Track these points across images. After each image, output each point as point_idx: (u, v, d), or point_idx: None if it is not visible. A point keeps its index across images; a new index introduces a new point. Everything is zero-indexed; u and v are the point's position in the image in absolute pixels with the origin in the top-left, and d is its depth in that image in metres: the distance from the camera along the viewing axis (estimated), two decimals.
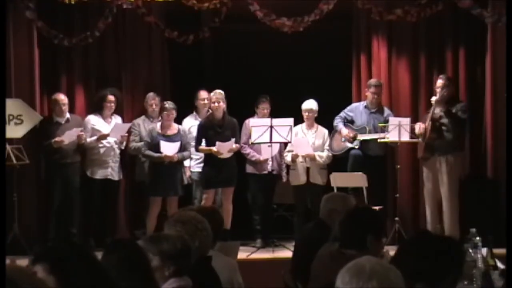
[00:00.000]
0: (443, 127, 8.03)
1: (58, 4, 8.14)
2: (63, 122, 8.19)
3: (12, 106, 7.94)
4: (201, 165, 8.27)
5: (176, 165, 8.10)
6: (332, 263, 3.60)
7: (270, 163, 8.25)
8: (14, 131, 7.97)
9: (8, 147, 7.82)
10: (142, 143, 8.20)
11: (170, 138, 8.06)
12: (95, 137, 8.14)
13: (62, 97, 8.23)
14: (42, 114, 8.32)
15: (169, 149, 7.98)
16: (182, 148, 8.10)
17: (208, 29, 8.32)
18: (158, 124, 8.15)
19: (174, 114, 8.08)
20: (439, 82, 8.06)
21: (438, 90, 8.03)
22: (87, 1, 8.12)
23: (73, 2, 8.01)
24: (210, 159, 8.07)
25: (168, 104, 8.07)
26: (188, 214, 4.04)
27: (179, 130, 8.16)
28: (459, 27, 8.58)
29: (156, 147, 8.00)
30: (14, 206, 7.91)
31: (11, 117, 7.94)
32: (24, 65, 8.25)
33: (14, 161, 7.83)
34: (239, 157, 8.43)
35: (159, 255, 3.37)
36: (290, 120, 8.01)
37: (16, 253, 7.29)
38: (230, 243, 5.36)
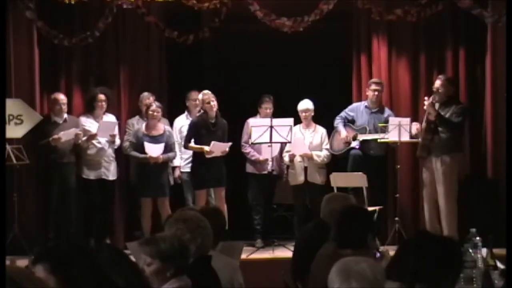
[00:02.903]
0: (439, 128, 8.03)
1: (58, 4, 8.13)
2: (60, 122, 8.18)
3: (12, 106, 7.94)
4: (191, 165, 8.27)
5: (162, 166, 8.07)
6: (330, 263, 3.61)
7: (270, 163, 8.25)
8: (14, 131, 7.97)
9: (8, 147, 7.81)
10: (128, 143, 8.19)
11: (155, 139, 8.03)
12: (85, 138, 8.13)
13: (62, 97, 8.22)
14: (42, 114, 8.31)
15: (153, 150, 7.96)
16: (168, 149, 8.08)
17: (208, 29, 8.31)
18: (143, 125, 8.15)
19: (159, 114, 8.04)
20: (437, 82, 8.07)
21: (435, 90, 8.04)
22: (87, 1, 8.12)
23: (73, 2, 8.00)
24: (199, 159, 8.04)
25: (154, 105, 8.05)
26: (189, 213, 4.05)
27: (164, 131, 8.13)
28: (459, 27, 8.58)
29: (141, 148, 7.99)
30: (14, 206, 7.90)
31: (11, 117, 7.93)
32: (24, 65, 8.25)
33: (14, 161, 7.83)
34: (239, 157, 8.43)
35: (159, 257, 3.36)
36: (290, 120, 8.01)
37: (16, 253, 7.30)
38: (233, 243, 5.34)
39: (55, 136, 7.97)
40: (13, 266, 2.39)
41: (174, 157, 8.25)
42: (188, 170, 8.32)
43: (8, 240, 7.64)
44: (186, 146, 8.12)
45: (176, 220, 3.88)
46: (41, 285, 2.32)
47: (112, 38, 8.64)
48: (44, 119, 8.22)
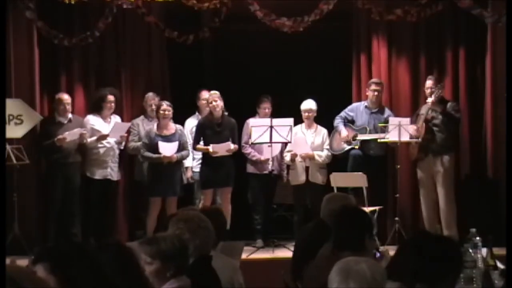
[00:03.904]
0: (435, 128, 8.04)
1: (58, 4, 8.14)
2: (65, 122, 8.18)
3: (12, 106, 7.94)
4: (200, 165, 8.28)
5: (175, 165, 8.08)
6: (327, 264, 3.61)
7: (270, 163, 8.25)
8: (14, 131, 7.97)
9: (8, 147, 7.82)
10: (140, 143, 8.19)
11: (167, 138, 8.04)
12: (94, 138, 8.13)
13: (66, 97, 8.22)
14: (42, 114, 8.32)
15: (167, 149, 7.96)
16: (181, 148, 8.09)
17: (208, 29, 8.32)
18: (155, 125, 8.15)
19: (170, 113, 8.05)
20: (429, 82, 8.09)
21: (428, 91, 8.07)
22: (87, 1, 8.12)
23: (73, 2, 8.00)
24: (207, 159, 8.07)
25: (164, 104, 8.06)
26: (191, 213, 4.07)
27: (176, 130, 8.14)
28: (459, 27, 8.58)
29: (154, 148, 7.98)
30: (14, 206, 7.90)
31: (11, 117, 7.94)
32: (24, 65, 8.25)
33: (14, 161, 7.83)
34: (239, 157, 8.43)
35: (159, 257, 3.35)
36: (290, 120, 8.01)
37: (16, 253, 7.29)
38: (233, 243, 5.35)
39: (60, 137, 7.97)
40: (14, 265, 2.38)
41: (187, 155, 8.24)
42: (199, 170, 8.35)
43: (8, 240, 7.65)
44: (194, 147, 8.15)
45: (177, 220, 3.89)
46: (42, 285, 2.32)
47: (112, 38, 8.65)
48: (48, 119, 8.23)
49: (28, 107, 8.08)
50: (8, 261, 6.02)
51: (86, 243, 7.71)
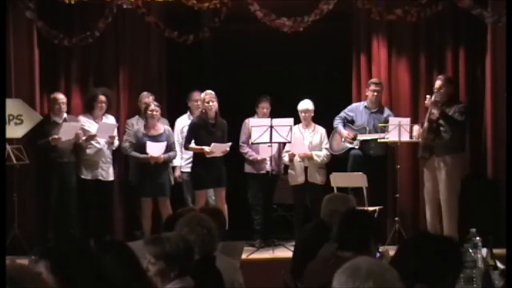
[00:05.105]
0: (441, 128, 8.01)
1: (58, 4, 8.14)
2: (60, 121, 8.18)
3: (12, 106, 7.94)
4: (191, 165, 8.26)
5: (162, 165, 8.05)
6: (329, 264, 3.60)
7: (268, 163, 8.25)
8: (14, 131, 7.97)
9: (8, 147, 7.82)
10: (128, 143, 8.19)
11: (155, 139, 8.02)
12: (84, 138, 8.13)
13: (61, 97, 8.22)
14: (42, 114, 8.31)
15: (155, 149, 7.94)
16: (168, 148, 8.07)
17: (208, 29, 8.32)
18: (143, 125, 8.14)
19: (158, 113, 8.03)
20: (437, 83, 8.06)
21: (436, 90, 8.04)
22: (87, 1, 8.12)
23: (73, 2, 8.00)
24: (198, 159, 8.03)
25: (152, 104, 8.04)
26: (196, 214, 4.10)
27: (164, 130, 8.12)
28: (459, 27, 8.58)
29: (142, 148, 7.97)
30: (14, 206, 7.91)
31: (11, 117, 7.94)
32: (24, 65, 8.25)
33: (14, 161, 7.83)
34: (237, 157, 8.43)
35: (164, 258, 3.35)
36: (290, 120, 8.01)
37: (16, 253, 7.27)
38: (233, 243, 5.35)
39: (55, 136, 7.97)
40: (14, 264, 2.38)
41: (174, 157, 8.24)
42: (189, 170, 8.32)
43: (8, 240, 7.65)
44: (186, 147, 8.12)
45: (183, 221, 3.90)
46: (42, 285, 2.32)
47: (112, 38, 8.65)
48: (44, 118, 8.22)
49: (28, 107, 8.08)
50: (8, 261, 6.04)
51: (86, 243, 7.73)
